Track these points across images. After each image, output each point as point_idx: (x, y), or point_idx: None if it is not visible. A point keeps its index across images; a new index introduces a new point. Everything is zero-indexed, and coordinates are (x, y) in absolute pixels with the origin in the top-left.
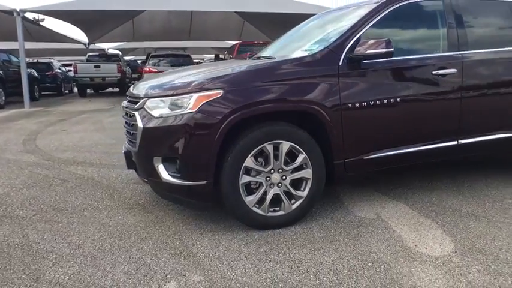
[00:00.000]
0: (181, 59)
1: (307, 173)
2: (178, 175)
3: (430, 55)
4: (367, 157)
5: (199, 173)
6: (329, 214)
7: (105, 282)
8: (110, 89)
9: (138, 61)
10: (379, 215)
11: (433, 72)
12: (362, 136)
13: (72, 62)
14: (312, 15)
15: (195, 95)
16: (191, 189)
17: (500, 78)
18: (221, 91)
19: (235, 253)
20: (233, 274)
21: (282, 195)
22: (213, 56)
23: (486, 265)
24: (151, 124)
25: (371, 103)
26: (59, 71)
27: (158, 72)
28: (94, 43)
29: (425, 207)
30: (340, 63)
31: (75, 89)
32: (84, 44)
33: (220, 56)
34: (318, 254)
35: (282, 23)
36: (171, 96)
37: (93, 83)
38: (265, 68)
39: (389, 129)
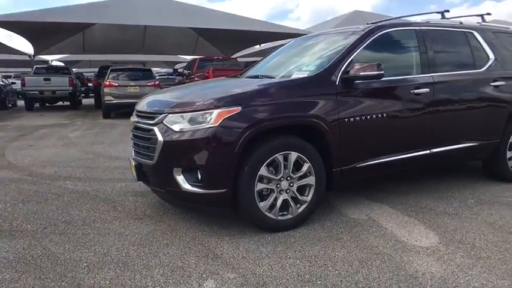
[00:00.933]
0: (141, 73)
1: (311, 180)
2: (200, 184)
3: (408, 77)
4: (360, 165)
5: (220, 181)
6: (327, 217)
7: (147, 284)
8: (60, 103)
9: (85, 74)
10: (370, 216)
11: (411, 92)
12: (356, 147)
13: (12, 74)
14: (269, 33)
15: (216, 111)
16: (212, 196)
17: (462, 97)
18: (240, 107)
19: (256, 253)
20: (261, 270)
21: (290, 201)
22: (166, 70)
23: (467, 252)
24: (172, 138)
25: (363, 118)
26: (1, 83)
27: (119, 86)
28: (40, 54)
29: (405, 208)
30: (337, 83)
31: (19, 103)
32: (29, 56)
33: (179, 70)
34: (329, 250)
35: (237, 39)
36: (192, 112)
37: (43, 97)
38: (275, 87)
39: (378, 140)
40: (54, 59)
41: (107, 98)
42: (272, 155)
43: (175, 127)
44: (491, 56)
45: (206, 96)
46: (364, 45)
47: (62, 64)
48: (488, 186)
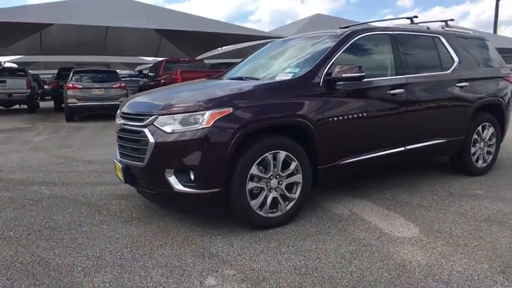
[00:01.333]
0: (106, 75)
1: (299, 178)
2: (193, 184)
3: (384, 78)
4: (342, 162)
5: (213, 181)
6: (312, 213)
7: (148, 284)
8: (17, 106)
9: (41, 76)
10: (352, 211)
11: (387, 92)
12: (339, 145)
13: None
14: (234, 35)
15: (208, 112)
16: (205, 196)
17: (432, 97)
18: (231, 108)
19: (251, 250)
20: (259, 266)
21: (279, 198)
22: (127, 72)
23: (446, 240)
24: (164, 139)
25: (345, 117)
26: None
27: (83, 88)
28: None
29: (384, 203)
30: (321, 84)
31: None
32: None
33: (144, 71)
34: (320, 244)
35: (202, 41)
36: (183, 113)
37: None
38: (264, 88)
39: (358, 139)
40: (7, 61)
41: (70, 100)
42: (262, 154)
43: (167, 128)
44: (456, 58)
45: (196, 97)
46: (344, 48)
47: (15, 65)
48: (455, 180)
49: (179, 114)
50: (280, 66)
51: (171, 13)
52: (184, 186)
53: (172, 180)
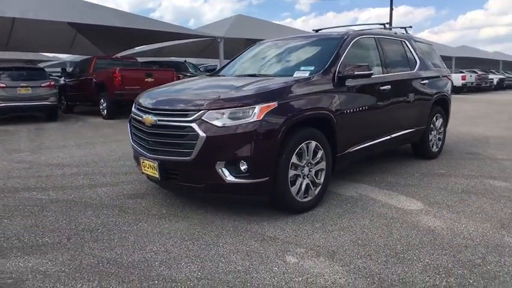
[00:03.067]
0: (33, 73)
1: (323, 165)
2: (246, 174)
3: (377, 75)
4: (352, 150)
5: (264, 171)
6: (328, 197)
7: (237, 268)
8: None
9: None
10: (360, 193)
11: (380, 88)
12: (351, 134)
13: None
14: (158, 32)
15: (258, 106)
16: (256, 185)
17: (406, 92)
18: (276, 103)
19: (302, 231)
20: (321, 243)
21: (310, 184)
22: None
23: (447, 209)
24: (215, 133)
25: (355, 110)
26: None
27: (6, 87)
28: None
29: (378, 185)
30: (335, 81)
31: None
32: None
33: (67, 69)
34: (355, 220)
35: (123, 38)
36: (232, 108)
37: None
38: (297, 84)
39: (362, 128)
40: None
41: None
42: (300, 144)
43: (217, 123)
44: (418, 60)
45: (242, 93)
46: (348, 48)
47: None
48: (419, 164)
49: (227, 109)
50: (290, 65)
51: (89, 6)
52: (236, 177)
53: (224, 172)
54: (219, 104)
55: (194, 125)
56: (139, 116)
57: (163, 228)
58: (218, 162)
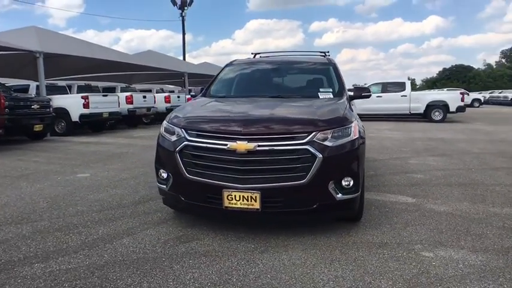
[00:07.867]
0: None
1: None
2: (352, 190)
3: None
4: None
5: (360, 185)
6: None
7: (388, 269)
8: None
9: None
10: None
11: None
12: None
13: None
14: None
15: (353, 124)
16: (353, 200)
17: None
18: (355, 121)
19: (396, 232)
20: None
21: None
22: None
23: (433, 200)
24: (329, 153)
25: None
26: None
27: None
28: None
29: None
30: (348, 98)
31: None
32: None
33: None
34: (394, 218)
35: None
36: (336, 128)
37: None
38: (348, 104)
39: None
40: None
41: None
42: None
43: (328, 143)
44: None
45: (336, 112)
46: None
47: None
48: None
49: (331, 129)
50: (307, 86)
51: None
52: (344, 194)
53: (334, 190)
54: (325, 125)
55: (309, 147)
56: (217, 144)
57: (284, 263)
58: (331, 181)
